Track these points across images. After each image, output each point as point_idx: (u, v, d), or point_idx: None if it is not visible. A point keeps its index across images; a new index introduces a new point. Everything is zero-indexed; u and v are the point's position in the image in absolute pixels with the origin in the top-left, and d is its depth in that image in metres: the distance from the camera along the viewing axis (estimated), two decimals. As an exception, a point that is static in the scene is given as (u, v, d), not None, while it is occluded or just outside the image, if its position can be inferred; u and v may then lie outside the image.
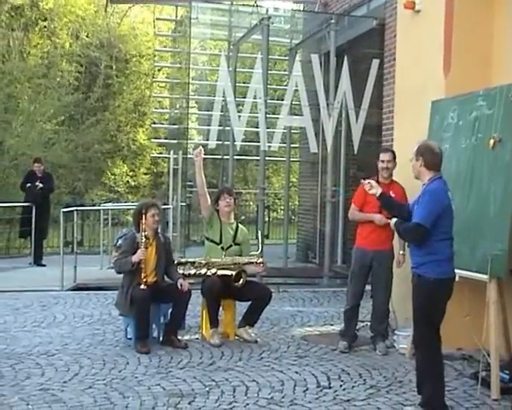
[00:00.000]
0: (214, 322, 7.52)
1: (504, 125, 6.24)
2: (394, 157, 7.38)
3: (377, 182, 7.09)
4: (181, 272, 7.68)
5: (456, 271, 6.44)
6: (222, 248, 7.75)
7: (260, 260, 7.80)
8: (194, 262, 7.79)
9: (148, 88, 25.79)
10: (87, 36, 25.34)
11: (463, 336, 6.76)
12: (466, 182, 6.61)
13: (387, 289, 7.36)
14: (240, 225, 8.04)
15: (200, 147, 7.82)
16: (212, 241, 7.79)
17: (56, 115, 22.62)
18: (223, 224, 7.80)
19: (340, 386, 6.07)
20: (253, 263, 7.74)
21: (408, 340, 7.06)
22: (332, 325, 8.46)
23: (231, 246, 7.81)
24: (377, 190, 5.83)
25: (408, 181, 7.35)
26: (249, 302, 7.70)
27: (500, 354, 6.04)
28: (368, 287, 7.50)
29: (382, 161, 7.32)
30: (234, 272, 7.54)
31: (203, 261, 7.70)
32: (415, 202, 5.56)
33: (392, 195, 7.04)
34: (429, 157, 5.49)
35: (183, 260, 8.11)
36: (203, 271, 7.64)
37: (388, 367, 6.65)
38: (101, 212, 14.78)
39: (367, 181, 6.00)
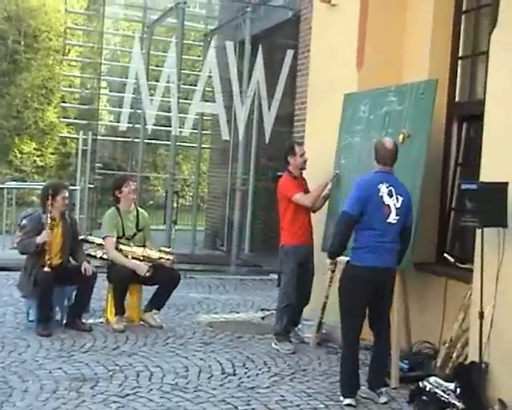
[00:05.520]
0: (120, 310, 7.42)
1: (413, 122, 6.39)
2: None
3: (293, 177, 7.10)
4: (87, 252, 7.55)
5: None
6: (127, 239, 7.64)
7: (171, 256, 7.72)
8: (101, 244, 7.69)
9: (57, 65, 25.08)
10: (-7, 8, 24.47)
11: (365, 327, 6.91)
12: (375, 175, 6.72)
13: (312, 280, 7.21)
14: (139, 209, 7.93)
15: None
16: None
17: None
18: (123, 216, 7.65)
19: (245, 373, 6.10)
20: (162, 258, 7.68)
21: (312, 329, 7.17)
22: (238, 312, 8.49)
23: (135, 234, 7.71)
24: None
25: (317, 173, 7.42)
26: (156, 286, 7.63)
27: (401, 345, 6.20)
28: None
29: (302, 155, 7.07)
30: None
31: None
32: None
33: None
34: (378, 151, 5.56)
35: (89, 238, 7.94)
36: (111, 256, 7.54)
37: (293, 356, 6.71)
38: (5, 191, 14.33)
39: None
